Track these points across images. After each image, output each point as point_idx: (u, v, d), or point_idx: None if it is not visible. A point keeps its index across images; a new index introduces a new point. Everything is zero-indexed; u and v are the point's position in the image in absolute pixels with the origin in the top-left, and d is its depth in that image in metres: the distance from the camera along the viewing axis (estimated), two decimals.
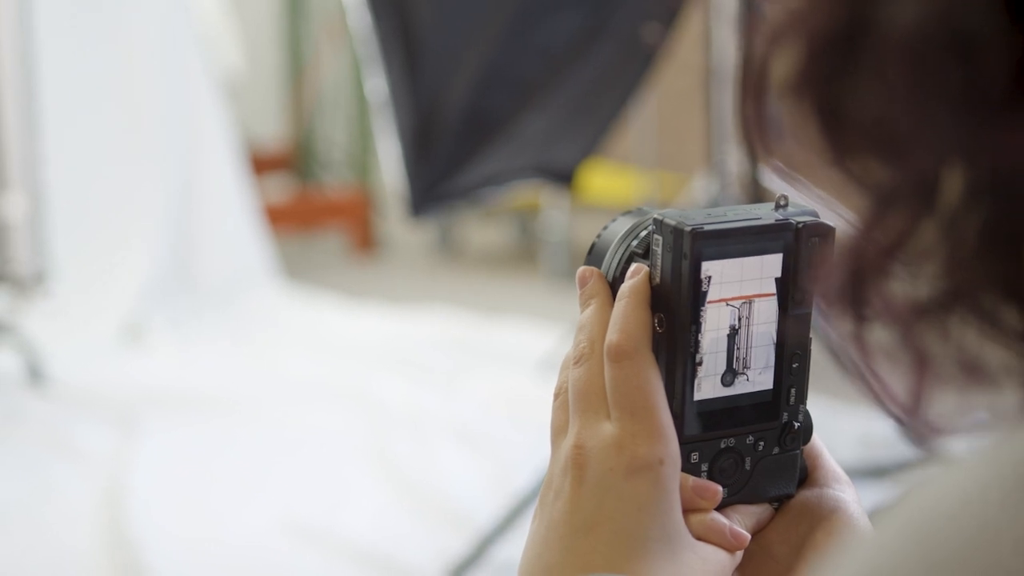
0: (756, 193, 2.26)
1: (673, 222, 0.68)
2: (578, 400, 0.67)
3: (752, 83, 0.41)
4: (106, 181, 3.70)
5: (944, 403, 0.40)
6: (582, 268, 0.72)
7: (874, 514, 0.70)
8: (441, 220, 4.61)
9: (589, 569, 0.64)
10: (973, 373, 0.39)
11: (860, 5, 0.37)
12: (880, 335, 0.41)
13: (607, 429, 0.66)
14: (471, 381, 3.24)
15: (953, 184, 0.38)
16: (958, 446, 0.41)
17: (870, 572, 0.35)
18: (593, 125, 2.40)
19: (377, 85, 2.24)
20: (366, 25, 2.20)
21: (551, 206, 4.29)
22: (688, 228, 0.67)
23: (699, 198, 2.83)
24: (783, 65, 0.40)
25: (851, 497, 0.70)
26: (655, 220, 0.69)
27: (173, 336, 3.58)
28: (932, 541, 0.34)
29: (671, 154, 4.12)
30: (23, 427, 2.98)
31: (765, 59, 0.40)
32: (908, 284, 0.39)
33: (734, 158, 2.41)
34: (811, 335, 0.70)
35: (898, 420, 0.41)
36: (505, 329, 3.63)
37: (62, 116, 3.54)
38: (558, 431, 0.69)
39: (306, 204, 4.86)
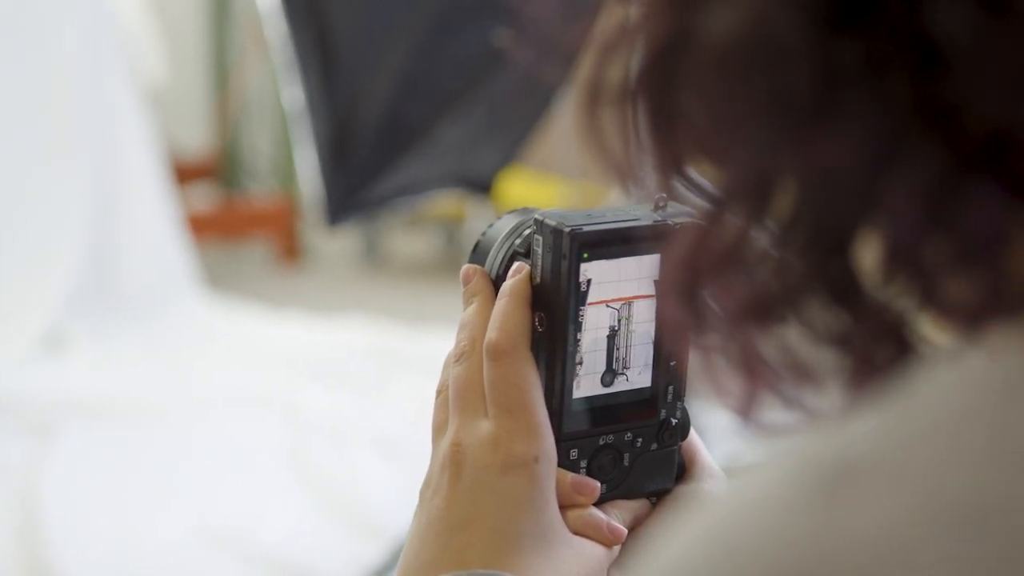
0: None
1: (553, 223, 0.68)
2: (457, 398, 0.68)
3: (590, 94, 0.42)
4: (23, 188, 3.66)
5: (776, 402, 0.41)
6: (466, 266, 0.73)
7: None
8: (367, 229, 4.60)
9: (465, 565, 0.64)
10: (800, 374, 0.40)
11: (684, 15, 0.38)
12: (717, 334, 0.42)
13: (484, 427, 0.67)
14: (395, 390, 3.24)
15: (783, 190, 0.39)
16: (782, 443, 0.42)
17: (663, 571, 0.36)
18: (511, 134, 2.41)
19: (294, 93, 2.23)
20: (282, 32, 2.19)
21: (475, 215, 4.30)
22: (567, 229, 0.68)
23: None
24: (618, 75, 0.41)
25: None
26: (536, 220, 0.70)
27: (93, 346, 3.54)
28: (717, 541, 0.35)
29: (593, 163, 4.13)
30: None
31: (600, 70, 0.41)
32: (744, 286, 0.40)
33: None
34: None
35: (737, 416, 0.42)
36: (431, 338, 3.63)
37: None
38: (438, 429, 0.69)
39: (231, 213, 4.83)
